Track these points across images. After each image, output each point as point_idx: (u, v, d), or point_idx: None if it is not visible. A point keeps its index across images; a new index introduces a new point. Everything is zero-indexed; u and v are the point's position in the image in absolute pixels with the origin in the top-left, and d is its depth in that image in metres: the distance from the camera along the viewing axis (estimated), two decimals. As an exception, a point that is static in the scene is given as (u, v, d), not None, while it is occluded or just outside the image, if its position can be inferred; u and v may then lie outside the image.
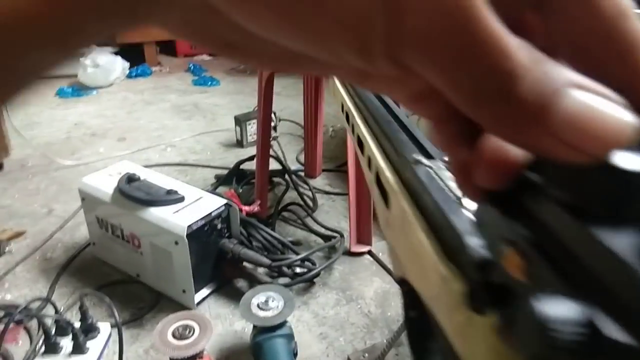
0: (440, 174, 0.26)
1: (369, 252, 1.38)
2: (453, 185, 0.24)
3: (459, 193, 0.23)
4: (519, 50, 0.13)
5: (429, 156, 0.28)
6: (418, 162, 0.27)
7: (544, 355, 0.12)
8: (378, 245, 1.40)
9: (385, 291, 1.25)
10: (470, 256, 0.18)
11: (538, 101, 0.13)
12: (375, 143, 0.35)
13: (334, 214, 1.58)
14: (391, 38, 0.13)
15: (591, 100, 0.13)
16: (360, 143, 0.39)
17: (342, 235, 1.40)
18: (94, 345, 1.04)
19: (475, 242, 0.19)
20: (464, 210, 0.22)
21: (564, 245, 0.14)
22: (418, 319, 0.29)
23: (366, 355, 1.04)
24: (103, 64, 2.64)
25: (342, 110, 0.47)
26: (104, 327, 1.09)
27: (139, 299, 1.21)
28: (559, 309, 0.12)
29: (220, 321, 1.15)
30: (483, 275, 0.17)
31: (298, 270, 1.27)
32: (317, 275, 1.26)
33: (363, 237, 1.38)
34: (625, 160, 0.12)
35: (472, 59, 0.13)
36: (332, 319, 1.16)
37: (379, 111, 0.37)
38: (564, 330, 0.12)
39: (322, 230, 1.46)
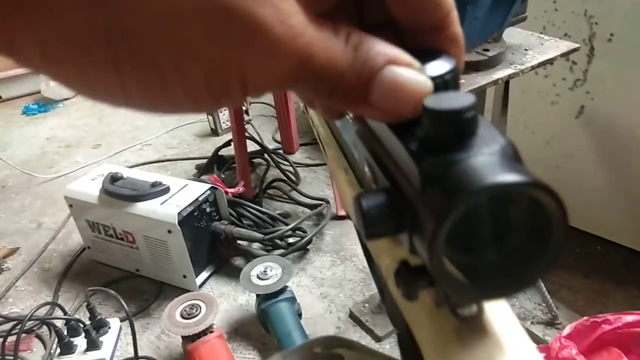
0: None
1: (356, 213, 1.42)
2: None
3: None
4: (342, 55, 0.17)
5: None
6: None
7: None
8: (363, 206, 1.45)
9: (376, 246, 1.30)
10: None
11: (359, 87, 0.18)
12: None
13: (317, 184, 1.62)
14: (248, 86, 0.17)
15: (400, 74, 0.17)
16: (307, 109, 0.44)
17: (327, 202, 1.44)
18: (107, 340, 1.08)
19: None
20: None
21: (389, 153, 0.19)
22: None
23: (366, 305, 1.10)
24: (64, 76, 2.60)
25: None
26: (114, 322, 1.13)
27: (143, 292, 1.25)
28: (372, 201, 0.17)
29: (224, 299, 1.20)
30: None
31: (291, 240, 1.32)
32: (310, 242, 1.31)
33: (348, 200, 1.43)
34: (434, 102, 0.16)
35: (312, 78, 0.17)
36: (330, 279, 1.22)
37: None
38: (376, 214, 0.17)
39: (308, 201, 1.51)
